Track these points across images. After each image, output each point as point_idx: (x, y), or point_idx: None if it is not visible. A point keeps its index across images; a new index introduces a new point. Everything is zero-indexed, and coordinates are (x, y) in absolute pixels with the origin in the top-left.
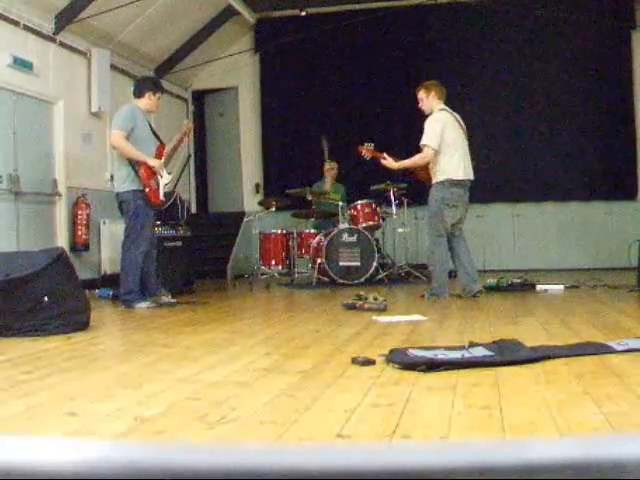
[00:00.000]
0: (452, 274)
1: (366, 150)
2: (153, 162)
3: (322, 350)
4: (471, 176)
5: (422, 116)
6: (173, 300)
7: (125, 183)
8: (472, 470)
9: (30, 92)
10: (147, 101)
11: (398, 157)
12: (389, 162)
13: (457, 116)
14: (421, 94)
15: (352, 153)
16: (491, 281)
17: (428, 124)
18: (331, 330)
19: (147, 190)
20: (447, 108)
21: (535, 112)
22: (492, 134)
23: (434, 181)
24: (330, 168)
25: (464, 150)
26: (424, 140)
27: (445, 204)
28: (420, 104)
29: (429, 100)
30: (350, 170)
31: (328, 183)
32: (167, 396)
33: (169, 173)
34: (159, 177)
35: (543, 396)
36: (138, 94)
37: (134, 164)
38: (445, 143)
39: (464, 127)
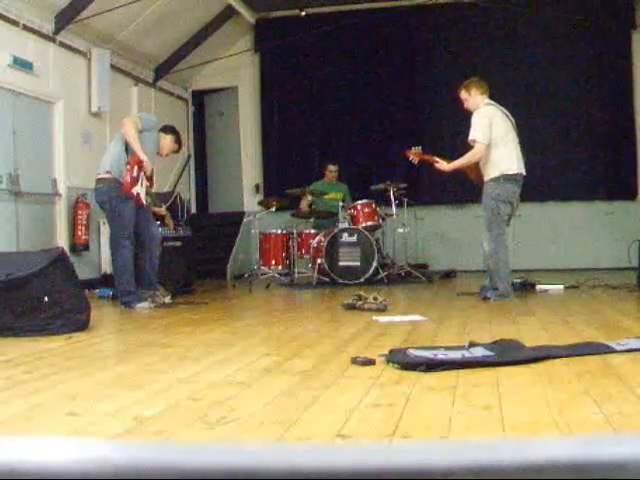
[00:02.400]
0: (452, 274)
1: (413, 154)
2: (144, 157)
3: (322, 350)
4: (523, 171)
5: (422, 115)
6: (170, 301)
7: (110, 170)
8: (472, 470)
9: (30, 92)
10: (167, 141)
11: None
12: (441, 165)
13: (505, 110)
14: (462, 94)
15: (352, 153)
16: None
17: (475, 119)
18: (331, 330)
19: (127, 179)
20: (493, 102)
21: (535, 112)
22: None
23: (487, 178)
24: (330, 171)
25: (515, 143)
26: (472, 136)
27: (501, 200)
28: (465, 105)
29: (472, 98)
30: (349, 170)
31: (327, 183)
32: (167, 396)
33: (142, 186)
34: (142, 176)
35: (543, 396)
36: (165, 130)
37: (127, 152)
38: (495, 137)
39: (513, 121)
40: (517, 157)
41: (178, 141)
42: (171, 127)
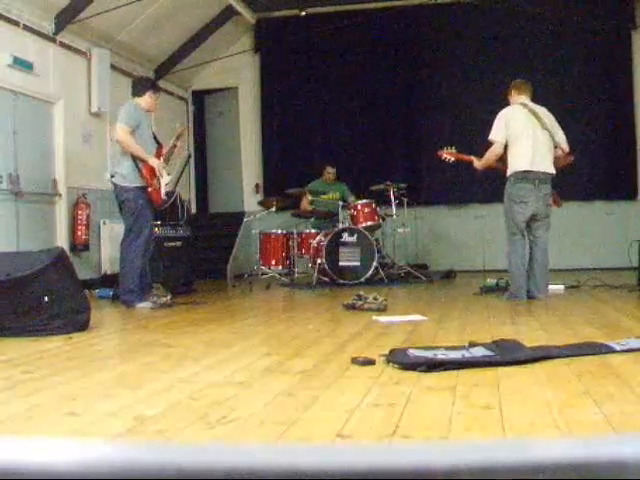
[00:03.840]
0: (452, 274)
1: (447, 154)
2: (153, 161)
3: (322, 350)
4: (543, 168)
5: (422, 114)
6: (171, 301)
7: (127, 180)
8: (472, 470)
9: (30, 92)
10: (148, 99)
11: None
12: (477, 162)
13: (539, 109)
14: (508, 98)
15: (352, 152)
16: (491, 281)
17: (496, 118)
18: (331, 330)
19: (150, 189)
20: (525, 102)
21: None
22: None
23: (507, 176)
24: (328, 172)
25: (533, 141)
26: (490, 135)
27: (512, 200)
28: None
29: (511, 99)
30: (349, 170)
31: (325, 182)
32: (167, 396)
33: (168, 174)
34: (160, 177)
35: (543, 396)
36: (139, 92)
37: (136, 161)
38: (510, 136)
39: (545, 119)
40: (532, 155)
41: (154, 89)
42: (139, 86)
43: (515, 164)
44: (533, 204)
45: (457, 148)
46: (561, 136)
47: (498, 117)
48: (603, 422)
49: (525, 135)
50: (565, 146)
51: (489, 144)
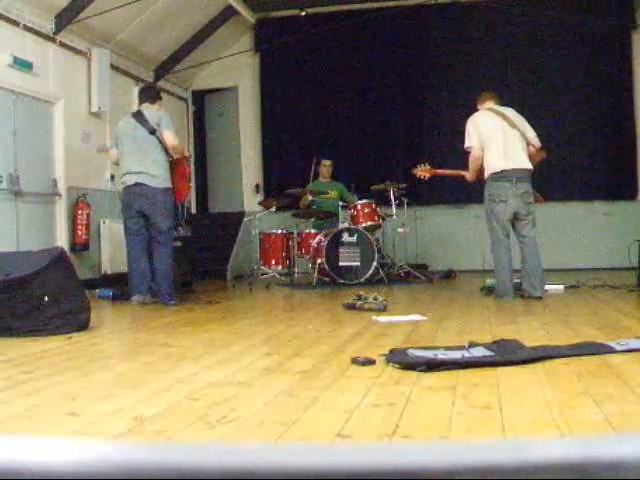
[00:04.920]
0: (452, 274)
1: (421, 171)
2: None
3: (322, 350)
4: (519, 165)
5: (420, 113)
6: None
7: (165, 182)
8: (472, 470)
9: (30, 92)
10: (158, 107)
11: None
12: (468, 175)
13: (504, 110)
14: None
15: (352, 152)
16: (491, 281)
17: (466, 128)
18: (331, 330)
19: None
20: (491, 106)
21: (535, 112)
22: None
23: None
24: (324, 165)
25: (505, 141)
26: (465, 144)
27: (492, 200)
28: None
29: (479, 107)
30: (349, 170)
31: (324, 182)
32: (167, 396)
33: None
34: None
35: (543, 396)
36: (155, 99)
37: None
38: (482, 140)
39: (512, 118)
40: (504, 155)
41: (161, 98)
42: (154, 92)
43: (491, 166)
44: (512, 202)
45: (456, 147)
46: (531, 133)
47: (467, 125)
48: (603, 422)
49: (496, 137)
50: (536, 142)
51: (467, 153)
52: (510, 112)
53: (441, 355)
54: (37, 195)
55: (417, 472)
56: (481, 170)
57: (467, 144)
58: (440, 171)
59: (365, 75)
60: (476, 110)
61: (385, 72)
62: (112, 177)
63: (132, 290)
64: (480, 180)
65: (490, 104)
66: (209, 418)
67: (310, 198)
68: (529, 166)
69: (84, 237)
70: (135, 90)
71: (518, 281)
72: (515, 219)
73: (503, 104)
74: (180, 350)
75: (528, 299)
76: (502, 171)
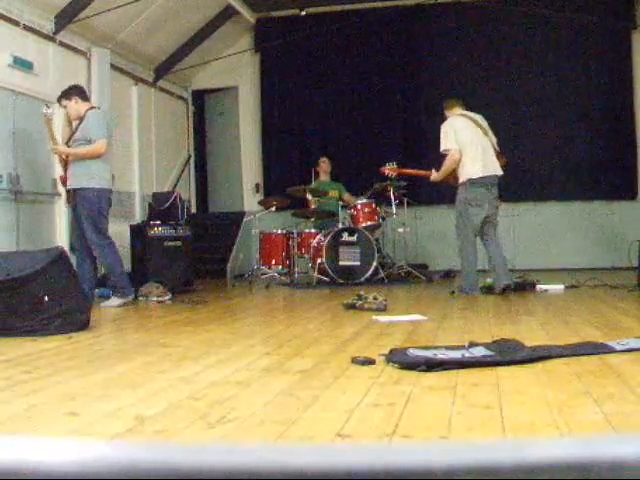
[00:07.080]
0: (451, 274)
1: (389, 170)
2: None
3: (322, 350)
4: (495, 172)
5: (420, 114)
6: (170, 300)
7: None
8: (472, 470)
9: (30, 92)
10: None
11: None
12: (434, 175)
13: (476, 116)
14: (446, 114)
15: (352, 152)
16: (491, 281)
17: (442, 131)
18: (331, 330)
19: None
20: (464, 112)
21: (535, 112)
22: None
23: (459, 183)
24: (323, 162)
25: (482, 148)
26: (443, 145)
27: (468, 204)
28: None
29: (448, 113)
30: (349, 170)
31: (325, 182)
32: (167, 396)
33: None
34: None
35: (543, 396)
36: (87, 97)
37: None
38: (461, 145)
39: (484, 125)
40: (482, 161)
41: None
42: (84, 91)
43: (468, 171)
44: (486, 207)
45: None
46: (495, 139)
47: (444, 127)
48: (603, 422)
49: (475, 143)
50: (497, 148)
51: (442, 156)
52: (480, 118)
53: (441, 355)
54: (37, 195)
55: (417, 472)
56: (451, 173)
57: (445, 147)
58: (406, 170)
59: (365, 75)
60: (444, 116)
61: (385, 72)
62: (112, 177)
63: (130, 290)
64: (445, 182)
65: (460, 110)
66: (209, 418)
67: (310, 197)
68: (501, 172)
69: None
70: (135, 90)
71: (518, 281)
72: (483, 222)
73: (496, 106)
74: (180, 350)
75: (503, 295)
76: (481, 177)
